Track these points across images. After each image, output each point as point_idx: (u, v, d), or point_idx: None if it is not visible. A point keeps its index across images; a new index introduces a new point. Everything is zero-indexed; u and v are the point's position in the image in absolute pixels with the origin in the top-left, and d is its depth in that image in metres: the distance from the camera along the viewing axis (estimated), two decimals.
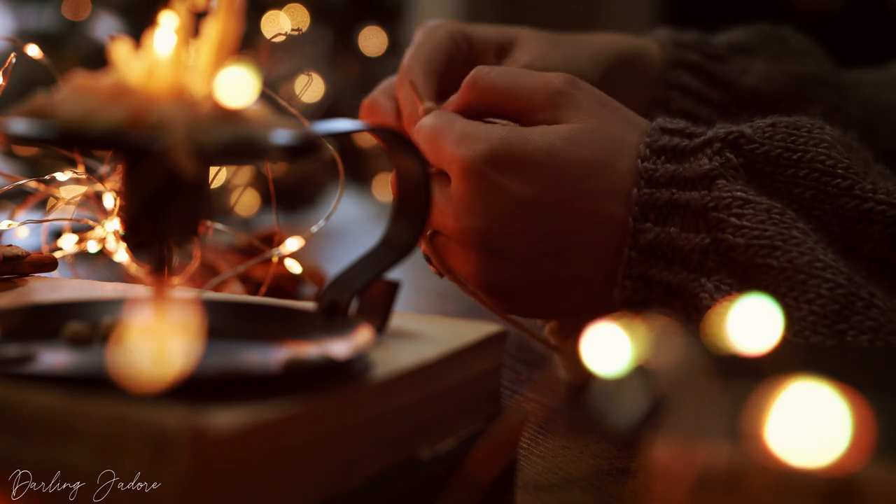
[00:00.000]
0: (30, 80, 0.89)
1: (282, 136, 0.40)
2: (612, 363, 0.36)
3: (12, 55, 0.61)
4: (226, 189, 1.28)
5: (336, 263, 0.60)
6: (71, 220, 0.65)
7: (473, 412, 0.49)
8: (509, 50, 0.74)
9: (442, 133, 0.61)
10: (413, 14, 1.90)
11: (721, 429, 0.32)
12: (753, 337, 0.36)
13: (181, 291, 0.57)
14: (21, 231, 0.64)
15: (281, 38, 1.07)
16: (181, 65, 0.40)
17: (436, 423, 0.46)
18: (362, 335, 0.44)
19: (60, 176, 0.64)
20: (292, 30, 1.39)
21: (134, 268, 0.67)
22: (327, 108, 1.45)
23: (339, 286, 0.49)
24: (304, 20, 1.46)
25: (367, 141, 1.54)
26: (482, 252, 0.61)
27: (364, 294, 0.49)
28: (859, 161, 0.60)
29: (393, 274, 0.49)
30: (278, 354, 0.45)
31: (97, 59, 1.29)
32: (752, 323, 0.36)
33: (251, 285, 0.85)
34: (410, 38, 0.72)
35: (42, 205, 0.67)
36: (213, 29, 0.41)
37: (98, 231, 0.65)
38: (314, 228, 0.67)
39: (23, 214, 0.66)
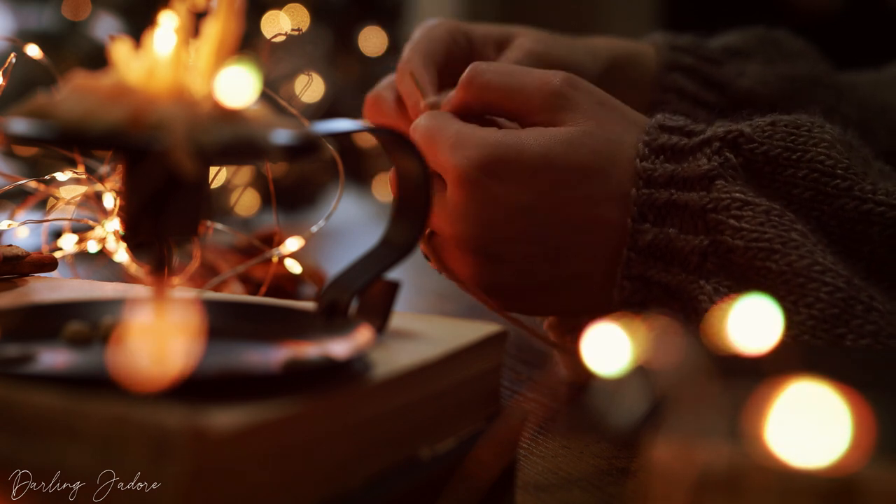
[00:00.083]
0: (30, 80, 0.89)
1: (282, 136, 0.40)
2: (612, 363, 0.36)
3: (12, 55, 0.61)
4: (226, 189, 1.28)
5: (336, 263, 0.60)
6: (71, 220, 0.65)
7: (473, 412, 0.49)
8: (508, 46, 0.73)
9: (436, 137, 0.61)
10: (413, 14, 1.91)
11: (721, 429, 0.32)
12: (753, 337, 0.36)
13: (181, 291, 0.57)
14: (21, 231, 0.64)
15: (281, 38, 1.07)
16: (181, 65, 0.40)
17: (436, 423, 0.46)
18: (362, 335, 0.44)
19: (60, 176, 0.64)
20: (292, 30, 1.39)
21: (134, 268, 0.67)
22: (327, 108, 1.45)
23: (339, 286, 0.49)
24: (304, 20, 1.46)
25: (367, 141, 1.55)
26: (479, 256, 0.61)
27: (364, 294, 0.49)
28: (859, 160, 0.60)
29: (393, 274, 0.49)
30: (278, 354, 0.45)
31: (97, 59, 1.29)
32: (751, 323, 0.36)
33: (251, 285, 0.85)
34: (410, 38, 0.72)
35: (42, 205, 0.67)
36: (213, 29, 0.41)
37: (98, 231, 0.65)
38: (314, 228, 0.67)
39: (23, 214, 0.66)
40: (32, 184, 0.65)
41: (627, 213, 0.59)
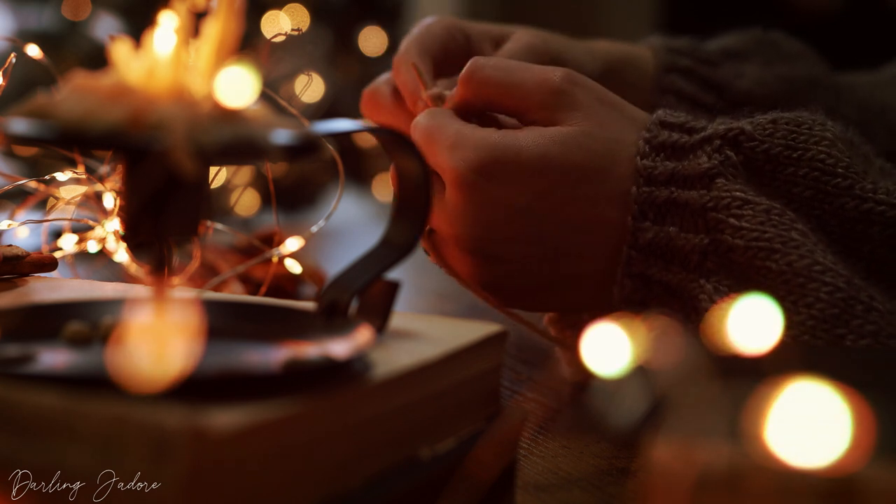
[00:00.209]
0: (30, 80, 0.88)
1: (282, 136, 0.40)
2: (612, 363, 0.36)
3: (12, 55, 0.61)
4: (226, 189, 1.28)
5: (336, 263, 0.60)
6: (71, 220, 0.65)
7: (473, 412, 0.49)
8: (506, 42, 0.73)
9: (435, 137, 0.60)
10: (413, 14, 1.90)
11: (721, 429, 0.32)
12: (753, 337, 0.36)
13: (181, 291, 0.57)
14: (21, 231, 0.64)
15: (281, 38, 1.07)
16: (181, 65, 0.40)
17: (436, 423, 0.46)
18: (362, 335, 0.44)
19: (60, 176, 0.64)
20: (292, 30, 1.39)
21: (134, 268, 0.67)
22: (327, 108, 1.45)
23: (339, 286, 0.49)
24: (304, 20, 1.46)
25: (367, 141, 1.55)
26: (478, 256, 0.61)
27: (364, 294, 0.49)
28: (860, 158, 0.60)
29: (393, 274, 0.49)
30: (278, 354, 0.45)
31: (97, 59, 1.30)
32: (751, 323, 0.36)
33: (251, 285, 0.85)
34: None
35: (42, 205, 0.67)
36: (213, 29, 0.41)
37: (98, 231, 0.65)
38: (314, 228, 0.67)
39: (23, 214, 0.66)
40: (32, 184, 0.65)
41: (627, 211, 0.59)
